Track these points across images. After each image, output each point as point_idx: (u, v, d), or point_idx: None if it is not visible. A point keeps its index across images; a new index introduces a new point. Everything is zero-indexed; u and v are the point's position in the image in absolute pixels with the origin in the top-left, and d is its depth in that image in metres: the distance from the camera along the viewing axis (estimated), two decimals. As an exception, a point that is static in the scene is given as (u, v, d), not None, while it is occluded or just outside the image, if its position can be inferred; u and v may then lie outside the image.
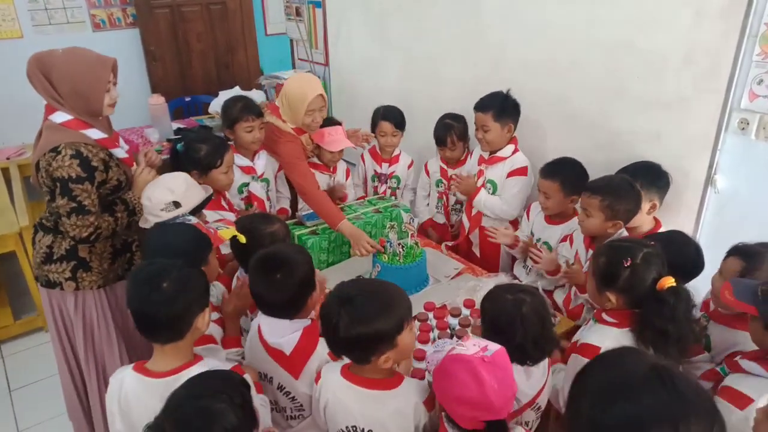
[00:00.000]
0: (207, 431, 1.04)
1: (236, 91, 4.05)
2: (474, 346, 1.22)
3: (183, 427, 1.05)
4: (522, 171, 2.48)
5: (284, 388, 1.58)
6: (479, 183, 2.57)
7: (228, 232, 1.70)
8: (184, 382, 1.16)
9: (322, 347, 1.52)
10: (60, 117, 1.86)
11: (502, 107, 2.41)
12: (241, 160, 2.52)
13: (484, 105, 2.44)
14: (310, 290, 1.56)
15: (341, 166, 2.85)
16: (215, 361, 1.45)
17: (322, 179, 2.76)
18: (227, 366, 1.43)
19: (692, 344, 1.54)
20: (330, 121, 2.68)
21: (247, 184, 2.55)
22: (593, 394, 0.92)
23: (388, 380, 1.38)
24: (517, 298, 1.43)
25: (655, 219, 2.10)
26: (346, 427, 1.40)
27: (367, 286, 1.45)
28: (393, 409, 1.36)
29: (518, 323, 1.39)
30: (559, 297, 2.23)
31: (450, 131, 2.69)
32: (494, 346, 1.23)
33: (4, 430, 2.52)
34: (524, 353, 1.41)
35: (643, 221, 2.05)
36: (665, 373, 0.88)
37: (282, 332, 1.53)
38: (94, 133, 1.90)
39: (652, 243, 1.55)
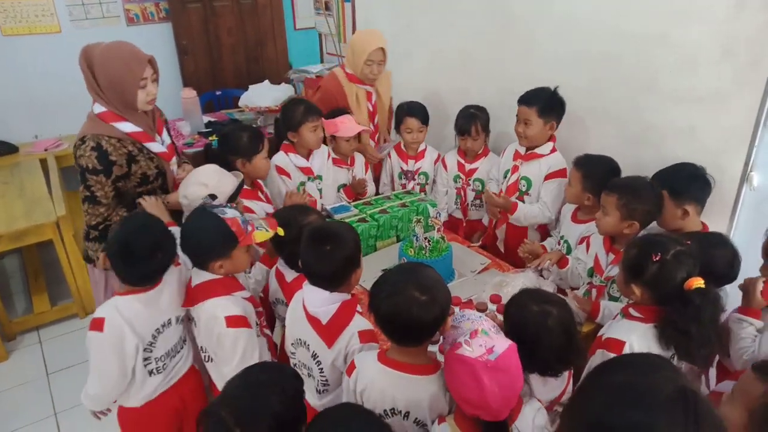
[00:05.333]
0: (261, 419, 1.12)
1: (266, 85, 4.09)
2: (480, 347, 1.22)
3: (239, 415, 1.12)
4: (560, 173, 2.42)
5: (317, 356, 1.63)
6: (512, 179, 2.53)
7: (263, 234, 1.71)
8: (241, 373, 1.26)
9: (356, 322, 1.58)
10: (98, 108, 1.96)
11: (548, 104, 2.36)
12: (298, 160, 2.60)
13: (529, 99, 2.39)
14: (354, 267, 1.63)
15: (359, 160, 2.86)
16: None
17: (342, 173, 2.77)
18: (245, 294, 1.70)
19: (716, 350, 1.51)
20: (338, 111, 2.71)
21: (303, 184, 2.62)
22: (611, 393, 0.88)
23: (428, 366, 1.41)
24: (543, 309, 1.40)
25: (702, 223, 2.00)
26: (384, 411, 1.42)
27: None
28: (432, 392, 1.39)
29: (543, 336, 1.37)
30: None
31: (475, 120, 2.68)
32: (501, 346, 1.22)
33: (43, 412, 2.62)
34: (546, 366, 1.40)
35: (681, 225, 1.96)
36: (692, 397, 0.83)
37: (321, 302, 1.59)
38: (127, 126, 1.96)
39: (688, 242, 1.52)
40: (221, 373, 1.69)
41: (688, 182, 1.96)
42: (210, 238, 1.66)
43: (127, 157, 1.97)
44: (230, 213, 1.68)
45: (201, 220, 1.69)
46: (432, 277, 1.40)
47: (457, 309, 1.96)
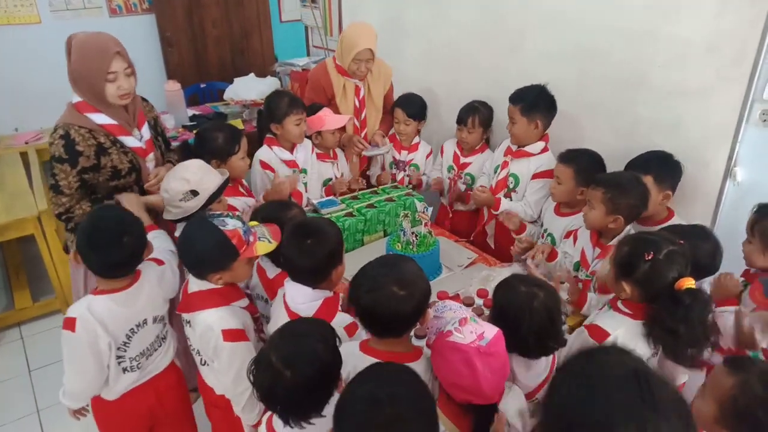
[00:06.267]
0: (309, 363, 1.22)
1: (251, 78, 4.05)
2: (471, 333, 1.25)
3: (288, 358, 1.22)
4: (548, 174, 2.40)
5: None
6: (502, 175, 2.53)
7: (265, 246, 1.64)
8: (285, 325, 1.35)
9: (339, 319, 1.58)
10: (75, 98, 1.94)
11: (533, 102, 2.35)
12: (283, 153, 2.57)
13: (516, 97, 2.39)
14: (336, 262, 1.62)
15: (340, 153, 2.86)
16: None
17: (326, 167, 2.76)
18: (244, 302, 1.70)
19: (705, 349, 1.52)
20: (313, 108, 2.67)
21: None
22: (571, 385, 0.93)
23: (409, 354, 1.42)
24: (531, 291, 1.42)
25: (668, 208, 2.07)
26: None
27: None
28: None
29: (526, 316, 1.39)
30: (562, 293, 2.20)
31: (474, 113, 2.70)
32: (490, 332, 1.25)
33: (25, 409, 2.59)
34: (525, 347, 1.41)
35: (656, 210, 2.03)
36: (643, 376, 0.88)
37: (303, 299, 1.59)
38: (100, 118, 1.95)
39: (681, 242, 1.52)
40: (220, 381, 1.68)
41: (670, 167, 2.03)
42: (208, 250, 1.58)
43: (96, 149, 1.94)
44: (231, 224, 1.60)
45: (200, 231, 1.61)
46: (411, 270, 1.40)
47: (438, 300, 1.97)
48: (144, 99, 2.16)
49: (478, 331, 1.25)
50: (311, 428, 1.26)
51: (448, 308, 1.37)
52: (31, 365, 2.85)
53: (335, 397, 1.30)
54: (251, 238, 1.62)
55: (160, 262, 1.77)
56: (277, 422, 1.32)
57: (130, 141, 2.03)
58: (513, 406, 1.35)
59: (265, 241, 1.65)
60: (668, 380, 0.91)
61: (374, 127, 2.97)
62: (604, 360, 0.97)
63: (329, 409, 1.25)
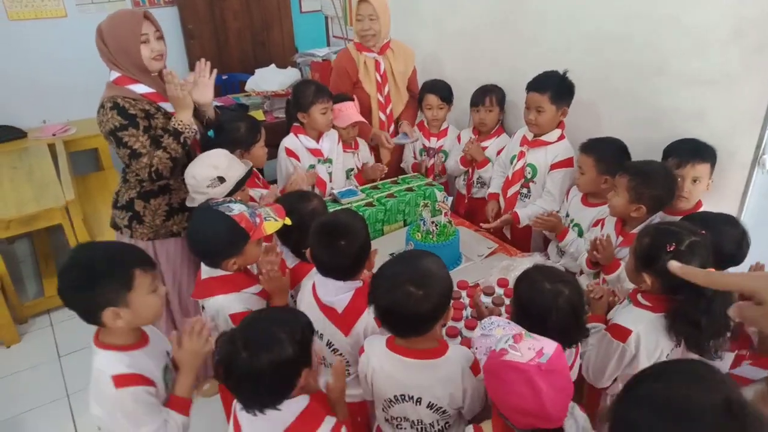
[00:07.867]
0: (265, 348, 1.21)
1: (272, 69, 4.07)
2: (529, 350, 1.15)
3: (248, 340, 1.22)
4: (567, 162, 2.39)
5: (333, 344, 1.64)
6: (518, 166, 2.52)
7: (273, 225, 1.67)
8: (261, 309, 1.40)
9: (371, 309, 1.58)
10: (112, 75, 2.03)
11: (559, 89, 2.31)
12: (308, 142, 2.59)
13: (540, 85, 2.33)
14: (367, 253, 1.63)
15: (363, 144, 2.87)
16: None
17: (348, 157, 2.78)
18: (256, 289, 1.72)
19: (727, 341, 1.48)
20: (341, 98, 2.68)
21: (313, 166, 2.62)
22: (651, 407, 0.84)
23: (435, 349, 1.41)
24: (555, 288, 1.39)
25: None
26: (395, 396, 1.44)
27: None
28: (442, 375, 1.39)
29: (551, 314, 1.37)
30: (583, 282, 2.18)
31: (490, 92, 2.73)
32: (549, 348, 1.16)
33: (55, 394, 2.67)
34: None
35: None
36: (738, 408, 0.78)
37: (335, 292, 1.60)
38: (140, 88, 2.05)
39: (702, 231, 1.48)
40: None
41: (710, 153, 1.99)
42: (221, 239, 1.61)
43: (144, 114, 2.02)
44: (236, 208, 1.62)
45: (209, 221, 1.63)
46: (430, 267, 1.38)
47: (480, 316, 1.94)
48: None
49: (536, 348, 1.14)
50: (270, 422, 1.24)
51: (497, 325, 1.30)
52: (61, 351, 2.93)
53: (302, 398, 1.28)
54: (257, 220, 1.65)
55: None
56: (237, 404, 1.32)
57: (170, 106, 2.09)
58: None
59: (271, 220, 1.68)
60: (761, 413, 0.81)
61: (398, 106, 2.97)
62: (691, 380, 0.86)
63: (289, 406, 1.25)
